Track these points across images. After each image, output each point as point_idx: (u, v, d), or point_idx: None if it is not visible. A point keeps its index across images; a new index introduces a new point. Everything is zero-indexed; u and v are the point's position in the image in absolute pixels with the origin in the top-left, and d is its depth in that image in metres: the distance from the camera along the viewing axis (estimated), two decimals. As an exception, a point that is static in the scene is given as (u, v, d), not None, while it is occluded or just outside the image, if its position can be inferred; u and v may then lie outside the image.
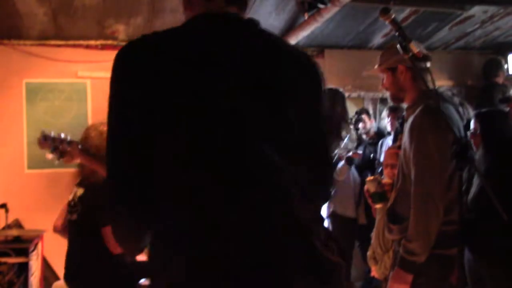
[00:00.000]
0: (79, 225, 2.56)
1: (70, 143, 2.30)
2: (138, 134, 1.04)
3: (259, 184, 1.06)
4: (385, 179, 2.54)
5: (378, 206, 2.60)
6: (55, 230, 2.85)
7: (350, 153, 3.89)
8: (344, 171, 3.92)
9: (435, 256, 1.96)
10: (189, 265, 1.02)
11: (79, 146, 2.35)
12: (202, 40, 1.09)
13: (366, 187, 2.49)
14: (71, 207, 2.59)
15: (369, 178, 2.51)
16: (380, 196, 2.45)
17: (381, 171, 3.92)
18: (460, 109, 2.18)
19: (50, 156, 2.30)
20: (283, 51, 1.17)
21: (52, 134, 2.31)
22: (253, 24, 1.16)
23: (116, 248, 2.38)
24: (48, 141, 2.31)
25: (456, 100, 2.23)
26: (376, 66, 2.26)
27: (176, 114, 1.03)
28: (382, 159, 4.18)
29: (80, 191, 2.58)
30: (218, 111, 1.04)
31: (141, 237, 1.14)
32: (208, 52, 1.07)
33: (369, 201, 2.54)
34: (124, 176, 1.08)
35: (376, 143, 4.49)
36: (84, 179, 2.61)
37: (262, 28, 1.17)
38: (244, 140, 1.05)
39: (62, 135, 2.30)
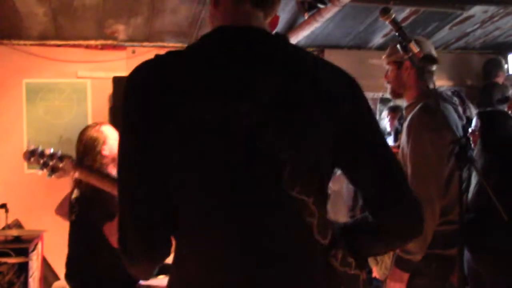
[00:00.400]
0: (78, 225, 2.56)
1: (62, 158, 2.15)
2: (154, 176, 0.98)
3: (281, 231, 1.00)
4: None
5: None
6: (56, 211, 2.83)
7: None
8: (339, 180, 3.88)
9: (435, 256, 1.96)
10: None
11: (72, 160, 2.22)
12: (222, 64, 0.99)
13: None
14: (70, 208, 2.59)
15: None
16: None
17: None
18: (459, 108, 2.18)
19: (39, 172, 2.14)
20: (319, 71, 1.06)
21: (40, 148, 2.14)
22: (281, 39, 1.06)
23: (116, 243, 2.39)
24: (35, 157, 2.13)
25: (456, 100, 2.23)
26: (384, 57, 2.26)
27: (197, 152, 0.96)
28: None
29: (76, 193, 2.58)
30: (242, 150, 0.96)
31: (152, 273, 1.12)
32: (230, 78, 0.97)
33: None
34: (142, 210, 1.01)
35: None
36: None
37: (292, 44, 1.09)
38: (272, 183, 0.98)
39: (52, 150, 2.14)
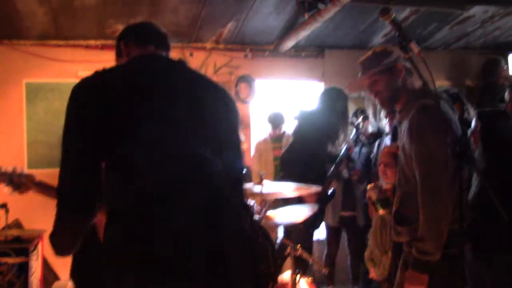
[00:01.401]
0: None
1: (25, 176, 2.35)
2: (87, 153, 1.33)
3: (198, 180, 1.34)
4: (386, 185, 2.52)
5: (382, 212, 2.58)
6: None
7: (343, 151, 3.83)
8: (332, 185, 3.86)
9: (445, 255, 1.95)
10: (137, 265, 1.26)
11: (33, 179, 2.39)
12: (142, 74, 1.44)
13: (367, 194, 2.48)
14: None
15: (370, 185, 2.49)
16: (383, 202, 2.44)
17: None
18: (452, 106, 2.17)
19: (5, 189, 2.33)
20: (204, 81, 1.55)
21: (4, 169, 2.32)
22: (182, 62, 1.53)
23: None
24: (2, 175, 2.31)
25: (446, 96, 2.22)
26: (366, 74, 2.19)
27: (117, 136, 1.31)
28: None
29: None
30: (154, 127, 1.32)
31: (76, 243, 1.42)
32: (146, 84, 1.41)
33: (372, 208, 2.52)
34: (73, 190, 1.33)
35: (372, 143, 4.49)
36: None
37: (187, 66, 1.54)
38: (178, 144, 1.35)
39: (17, 169, 2.32)
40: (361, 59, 2.24)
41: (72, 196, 1.33)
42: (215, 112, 1.47)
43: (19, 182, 2.33)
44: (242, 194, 1.52)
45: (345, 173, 4.00)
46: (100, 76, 1.40)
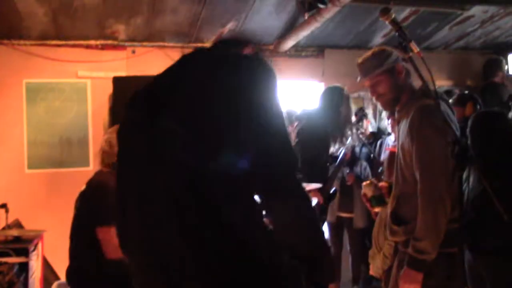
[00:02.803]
0: (77, 220, 2.56)
1: None
2: None
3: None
4: (382, 182, 2.52)
5: (376, 209, 2.58)
6: None
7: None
8: (334, 185, 3.88)
9: (442, 254, 1.95)
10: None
11: None
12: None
13: (363, 191, 2.47)
14: (75, 203, 2.60)
15: (366, 182, 2.48)
16: (378, 199, 2.43)
17: (381, 171, 3.92)
18: (451, 106, 2.18)
19: None
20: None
21: None
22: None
23: (110, 253, 2.38)
24: None
25: (446, 97, 2.22)
26: (362, 77, 2.20)
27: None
28: (382, 158, 4.19)
29: (84, 187, 2.60)
30: None
31: None
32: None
33: (367, 205, 2.52)
34: None
35: (372, 143, 4.49)
36: (94, 177, 2.63)
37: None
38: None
39: None
40: (360, 60, 2.23)
41: None
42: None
43: None
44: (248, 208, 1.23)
45: (344, 172, 4.02)
46: None
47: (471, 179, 2.64)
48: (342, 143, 3.74)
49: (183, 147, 1.16)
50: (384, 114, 4.79)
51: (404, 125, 2.08)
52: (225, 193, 1.16)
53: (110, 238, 2.35)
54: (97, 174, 2.63)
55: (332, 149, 3.74)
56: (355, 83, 2.40)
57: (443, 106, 2.03)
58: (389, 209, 2.22)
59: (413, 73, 2.02)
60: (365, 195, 2.46)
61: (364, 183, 2.49)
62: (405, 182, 2.08)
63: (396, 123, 2.23)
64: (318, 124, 3.72)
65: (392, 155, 2.78)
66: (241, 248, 1.15)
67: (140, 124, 1.28)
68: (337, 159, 3.72)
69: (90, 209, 2.50)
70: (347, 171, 4.05)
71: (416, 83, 2.09)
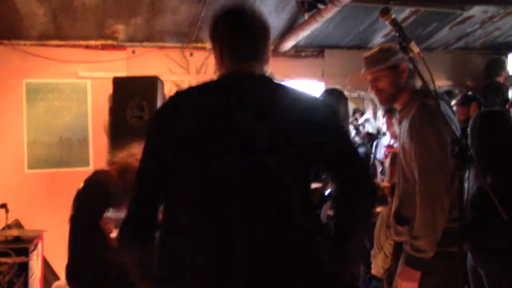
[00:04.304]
0: (75, 219, 2.57)
1: None
2: (158, 171, 1.34)
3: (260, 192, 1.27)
4: (384, 182, 2.53)
5: (378, 209, 2.59)
6: None
7: None
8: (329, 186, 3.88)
9: (442, 254, 1.96)
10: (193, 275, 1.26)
11: None
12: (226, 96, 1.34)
13: None
14: (73, 202, 2.61)
15: None
16: (380, 199, 2.44)
17: (382, 170, 3.93)
18: (451, 107, 2.18)
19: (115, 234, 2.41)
20: (300, 102, 1.43)
21: (115, 215, 2.42)
22: (266, 79, 1.43)
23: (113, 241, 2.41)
24: (111, 222, 2.45)
25: (446, 97, 2.23)
26: (366, 69, 2.22)
27: (189, 158, 1.29)
28: (378, 157, 4.19)
29: (81, 186, 2.61)
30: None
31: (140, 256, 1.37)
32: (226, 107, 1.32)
33: None
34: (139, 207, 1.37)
35: (368, 143, 4.49)
36: (92, 175, 2.64)
37: (278, 84, 1.42)
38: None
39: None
40: (367, 54, 2.25)
41: None
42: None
43: None
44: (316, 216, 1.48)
45: None
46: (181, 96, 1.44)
47: (471, 179, 2.64)
48: None
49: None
50: (380, 113, 4.79)
51: (405, 124, 2.09)
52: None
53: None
54: (95, 173, 2.65)
55: None
56: (357, 77, 2.40)
57: (444, 106, 2.03)
58: (392, 208, 2.22)
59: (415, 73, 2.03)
60: None
61: None
62: (406, 182, 2.09)
63: (398, 121, 2.23)
64: None
65: (394, 155, 2.79)
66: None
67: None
68: None
69: (88, 207, 2.51)
70: None
71: (418, 83, 2.09)
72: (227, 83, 1.39)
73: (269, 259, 1.23)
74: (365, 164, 1.55)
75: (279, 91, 1.42)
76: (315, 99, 1.50)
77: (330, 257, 1.32)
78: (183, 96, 1.41)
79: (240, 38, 1.41)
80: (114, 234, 2.35)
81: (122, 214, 2.31)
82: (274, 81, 1.43)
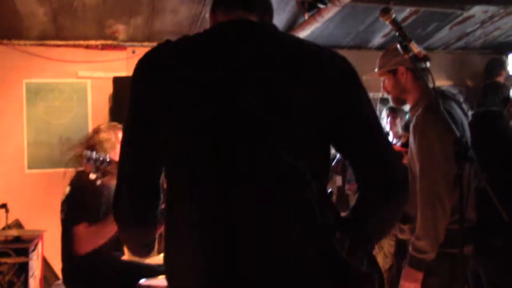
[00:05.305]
0: (65, 224, 2.57)
1: (110, 162, 2.31)
2: (151, 137, 1.10)
3: (272, 183, 1.05)
4: None
5: None
6: None
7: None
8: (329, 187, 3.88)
9: (445, 255, 1.96)
10: (209, 269, 1.05)
11: None
12: (220, 46, 1.12)
13: None
14: (61, 206, 2.61)
15: None
16: None
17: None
18: (464, 106, 2.18)
19: (93, 176, 2.32)
20: (304, 51, 1.14)
21: (94, 155, 2.30)
22: (269, 28, 1.17)
23: (80, 248, 2.41)
24: (90, 162, 2.31)
25: (459, 97, 2.23)
26: (376, 70, 2.25)
27: (189, 119, 1.07)
28: None
29: (67, 190, 2.61)
30: (232, 116, 1.05)
31: (147, 241, 1.22)
32: (226, 57, 1.09)
33: None
34: (134, 183, 1.15)
35: None
36: (76, 178, 2.64)
37: (280, 32, 1.18)
38: (260, 144, 1.05)
39: (102, 156, 2.30)
40: (382, 53, 2.27)
41: None
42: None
43: (104, 170, 2.33)
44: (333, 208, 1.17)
45: (338, 180, 4.01)
46: (171, 46, 1.15)
47: (471, 179, 2.64)
48: None
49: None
50: (384, 112, 4.79)
51: (412, 124, 2.11)
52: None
53: (84, 235, 2.40)
54: (78, 175, 2.65)
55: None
56: (372, 77, 2.41)
57: (449, 104, 2.04)
58: None
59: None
60: None
61: None
62: (412, 180, 2.09)
63: (410, 120, 2.24)
64: None
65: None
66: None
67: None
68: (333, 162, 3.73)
69: (72, 209, 2.52)
70: (348, 180, 4.04)
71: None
72: (226, 31, 1.15)
73: (285, 259, 1.04)
74: (393, 149, 1.22)
75: (284, 40, 1.17)
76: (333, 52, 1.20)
77: (348, 254, 1.10)
78: (173, 51, 1.14)
79: None
80: (93, 175, 2.31)
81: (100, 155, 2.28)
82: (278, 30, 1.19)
